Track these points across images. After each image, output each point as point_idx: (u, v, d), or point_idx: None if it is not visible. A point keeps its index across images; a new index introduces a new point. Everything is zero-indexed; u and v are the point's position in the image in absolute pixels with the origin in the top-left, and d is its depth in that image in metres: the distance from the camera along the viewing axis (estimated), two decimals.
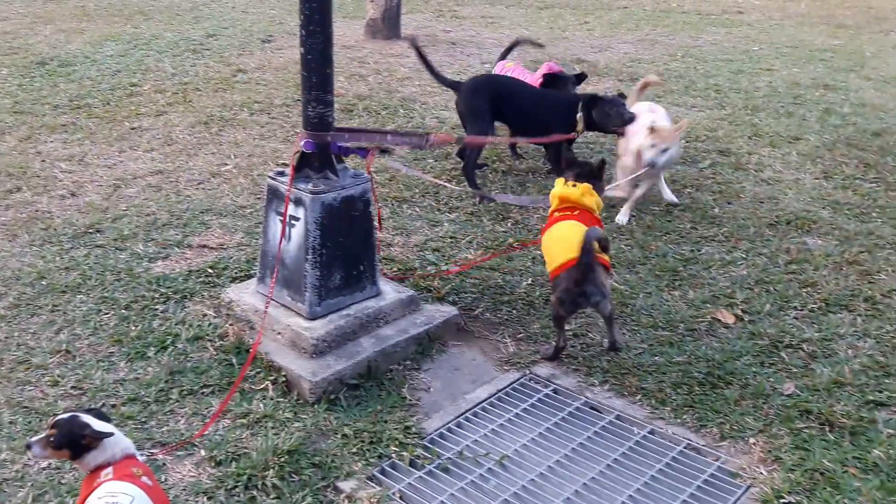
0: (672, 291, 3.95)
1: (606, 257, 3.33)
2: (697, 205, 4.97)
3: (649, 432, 3.04)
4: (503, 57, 6.04)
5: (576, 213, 3.43)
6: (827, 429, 2.97)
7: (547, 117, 4.99)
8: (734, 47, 9.62)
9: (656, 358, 3.42)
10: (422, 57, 5.24)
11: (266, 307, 3.28)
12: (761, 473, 2.77)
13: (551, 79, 5.44)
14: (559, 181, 3.59)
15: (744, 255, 4.32)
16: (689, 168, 5.54)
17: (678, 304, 3.83)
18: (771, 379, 3.26)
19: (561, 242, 3.32)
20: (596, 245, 3.23)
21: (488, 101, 5.04)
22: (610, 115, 4.82)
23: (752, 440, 2.94)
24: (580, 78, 5.61)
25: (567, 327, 3.63)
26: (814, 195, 5.10)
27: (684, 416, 3.09)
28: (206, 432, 2.90)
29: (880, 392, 3.17)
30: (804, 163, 5.66)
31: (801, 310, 3.78)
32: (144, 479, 2.15)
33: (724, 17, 11.91)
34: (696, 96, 7.30)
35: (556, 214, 3.50)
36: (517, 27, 10.88)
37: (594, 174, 3.61)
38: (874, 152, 5.83)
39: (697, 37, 10.31)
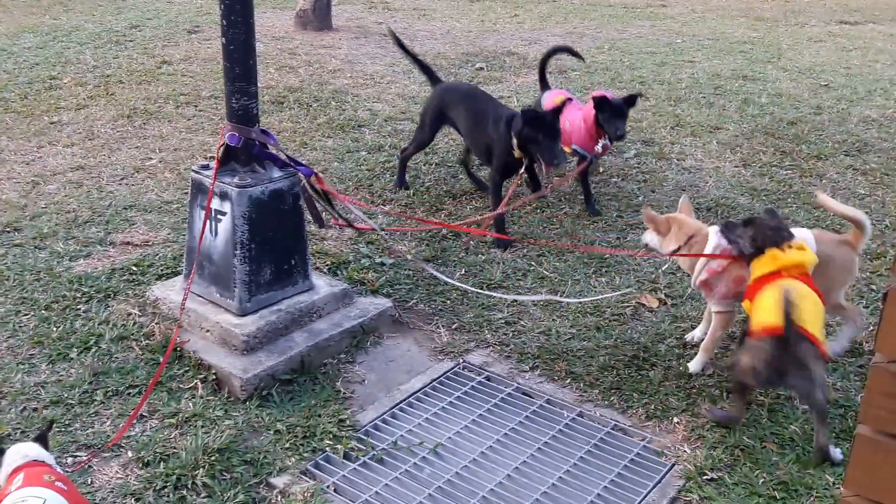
0: (599, 278, 4.02)
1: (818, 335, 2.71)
2: (623, 193, 5.07)
3: (578, 415, 3.10)
4: (543, 76, 5.19)
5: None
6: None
7: (487, 136, 4.45)
8: (658, 40, 9.83)
9: (585, 343, 3.49)
10: (405, 50, 5.10)
11: (183, 302, 3.21)
12: (685, 451, 2.86)
13: (601, 104, 4.56)
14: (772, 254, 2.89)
15: None
16: (615, 158, 5.65)
17: (605, 290, 3.91)
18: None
19: (776, 301, 2.69)
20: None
21: (436, 108, 4.77)
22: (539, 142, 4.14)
23: (675, 420, 3.02)
24: (630, 101, 4.64)
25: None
26: (733, 182, 5.26)
27: (611, 399, 3.16)
28: (133, 433, 2.84)
29: None
30: (724, 151, 5.83)
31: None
32: (58, 483, 2.12)
33: (648, 10, 12.15)
34: (622, 88, 7.43)
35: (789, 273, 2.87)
36: (449, 19, 10.90)
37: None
38: (790, 141, 6.04)
39: (623, 30, 10.49)
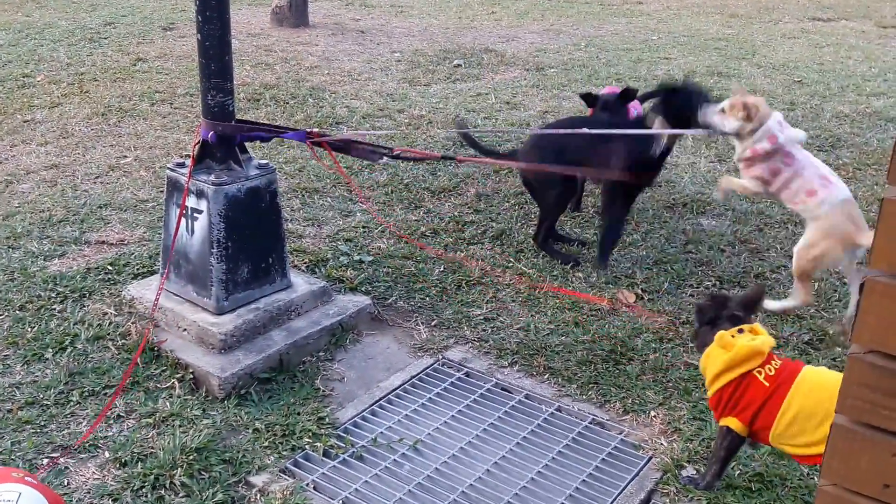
0: (577, 273, 4.04)
1: None
2: (599, 190, 5.09)
3: (556, 409, 3.11)
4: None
5: (776, 363, 2.47)
6: None
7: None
8: (634, 37, 9.88)
9: (563, 338, 3.50)
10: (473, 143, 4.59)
11: (156, 300, 3.19)
12: (662, 444, 2.88)
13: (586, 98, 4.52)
14: (720, 338, 2.51)
15: (643, 237, 4.45)
16: None
17: (582, 285, 3.93)
18: (669, 354, 3.38)
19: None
20: None
21: None
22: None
23: (653, 413, 3.04)
24: (626, 95, 4.40)
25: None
26: (708, 178, 5.30)
27: (589, 393, 3.17)
28: (110, 434, 2.81)
29: None
30: (699, 148, 5.87)
31: (697, 287, 3.93)
32: (28, 479, 2.11)
33: (624, 7, 12.21)
34: (599, 84, 7.45)
35: (768, 370, 2.43)
36: (426, 16, 10.89)
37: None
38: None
39: (600, 27, 10.54)
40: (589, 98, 4.50)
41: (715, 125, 3.61)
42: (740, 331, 2.48)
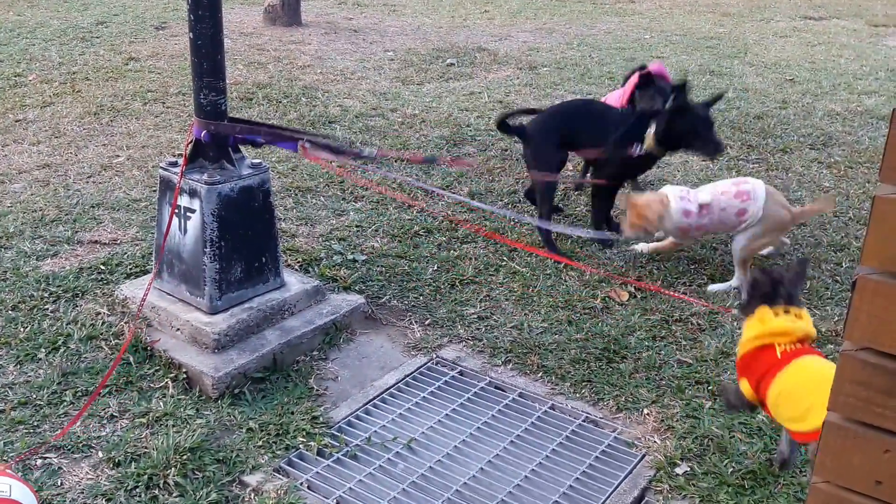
0: (570, 272, 4.04)
1: None
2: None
3: (550, 408, 3.11)
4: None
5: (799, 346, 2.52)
6: (715, 397, 3.10)
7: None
8: (627, 36, 9.89)
9: (556, 336, 3.50)
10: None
11: (144, 298, 3.17)
12: (655, 442, 2.88)
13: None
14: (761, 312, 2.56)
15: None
16: None
17: (576, 283, 3.93)
18: (662, 352, 3.39)
19: (824, 390, 2.32)
20: None
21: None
22: None
23: (646, 411, 3.05)
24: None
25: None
26: (701, 176, 5.31)
27: (583, 391, 3.18)
28: (103, 433, 2.80)
29: None
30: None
31: (690, 285, 3.94)
32: (9, 470, 2.13)
33: (617, 6, 12.22)
34: (591, 83, 7.47)
35: (788, 349, 2.49)
36: (419, 15, 10.88)
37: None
38: (756, 135, 6.11)
39: (592, 26, 10.54)
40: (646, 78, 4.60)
41: (628, 237, 4.03)
42: (786, 311, 2.53)
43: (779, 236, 3.96)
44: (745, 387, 2.55)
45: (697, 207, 3.78)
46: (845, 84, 7.68)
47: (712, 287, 3.91)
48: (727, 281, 3.92)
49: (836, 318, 3.63)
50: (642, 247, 4.21)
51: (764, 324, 2.52)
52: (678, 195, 3.82)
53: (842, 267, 4.11)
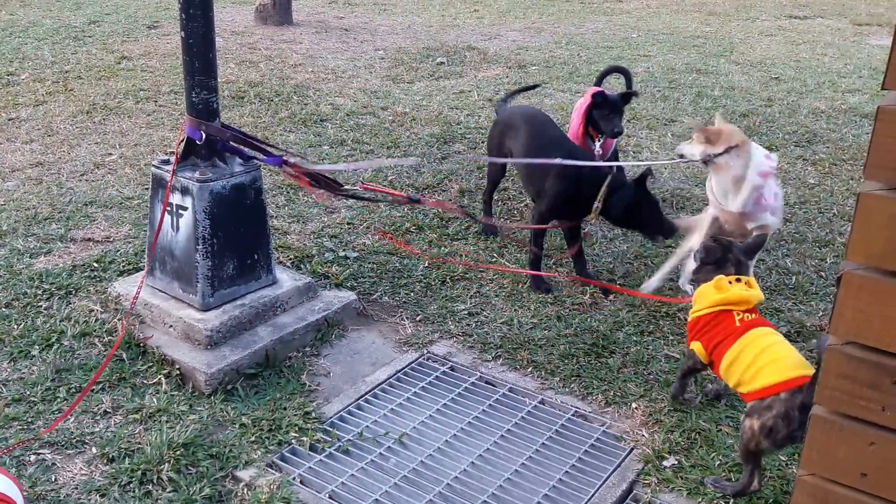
0: (559, 268, 4.04)
1: None
2: None
3: (540, 402, 3.11)
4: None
5: (754, 315, 2.66)
6: (702, 391, 3.11)
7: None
8: (614, 35, 9.89)
9: (546, 332, 3.50)
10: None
11: (137, 294, 3.16)
12: (643, 436, 2.89)
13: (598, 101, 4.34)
14: (718, 281, 2.71)
15: (623, 232, 4.46)
16: None
17: (564, 280, 3.93)
18: (650, 347, 3.40)
19: (774, 354, 2.50)
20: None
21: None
22: None
23: (634, 405, 3.05)
24: (626, 98, 4.43)
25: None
26: (687, 174, 5.32)
27: (572, 386, 3.18)
28: (97, 429, 2.79)
29: None
30: (678, 143, 5.88)
31: (676, 280, 3.95)
32: None
33: (605, 5, 12.23)
34: (580, 82, 7.47)
35: (745, 317, 2.63)
36: (409, 14, 10.86)
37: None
38: (742, 132, 6.12)
39: (581, 25, 10.55)
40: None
41: (685, 153, 3.63)
42: (738, 279, 2.69)
43: None
44: (699, 348, 2.71)
45: (772, 173, 3.46)
46: (829, 82, 7.71)
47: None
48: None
49: (821, 314, 3.64)
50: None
51: (721, 291, 2.67)
52: (763, 153, 3.52)
53: (826, 262, 4.12)
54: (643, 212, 3.64)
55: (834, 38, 10.14)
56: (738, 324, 2.61)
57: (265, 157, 3.27)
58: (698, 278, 2.81)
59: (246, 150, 3.28)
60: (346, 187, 3.48)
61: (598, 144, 4.35)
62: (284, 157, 3.31)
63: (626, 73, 4.94)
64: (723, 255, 2.77)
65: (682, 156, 3.66)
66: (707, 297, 2.71)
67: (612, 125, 4.27)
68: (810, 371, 2.43)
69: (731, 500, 2.57)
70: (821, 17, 11.67)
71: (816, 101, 6.99)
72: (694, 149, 3.56)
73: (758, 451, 2.51)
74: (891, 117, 0.96)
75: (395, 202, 3.64)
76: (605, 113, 4.29)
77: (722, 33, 10.16)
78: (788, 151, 5.73)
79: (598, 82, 4.93)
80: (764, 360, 2.50)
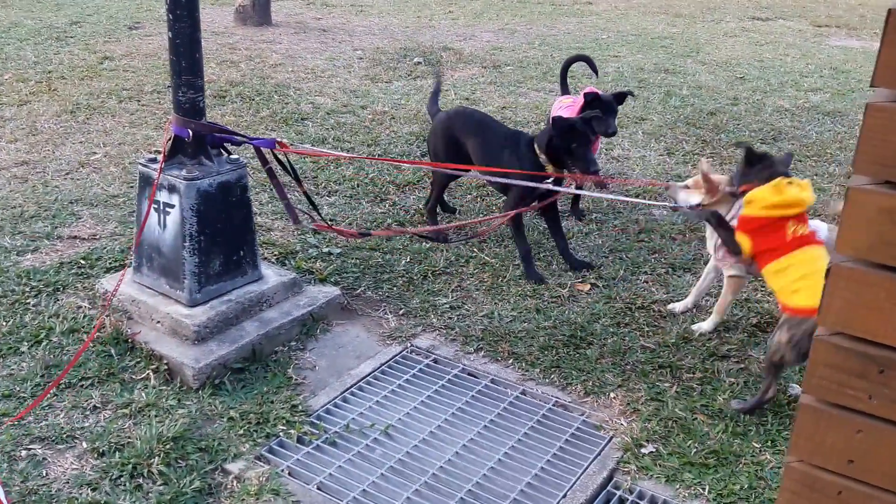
0: (537, 262, 4.04)
1: None
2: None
3: (521, 393, 3.11)
4: (564, 81, 4.92)
5: (805, 229, 2.75)
6: (677, 381, 3.13)
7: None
8: (585, 36, 9.91)
9: (525, 324, 3.50)
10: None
11: (116, 288, 3.10)
12: (622, 424, 2.89)
13: (592, 101, 4.25)
14: (777, 184, 2.74)
15: (598, 227, 4.47)
16: None
17: (543, 273, 3.93)
18: (626, 338, 3.40)
19: (817, 279, 2.30)
20: None
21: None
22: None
23: (612, 395, 3.06)
24: (620, 98, 4.37)
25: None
26: (658, 170, 5.35)
27: (552, 377, 3.18)
28: (87, 424, 2.74)
29: (722, 345, 3.37)
30: (649, 141, 5.92)
31: (651, 274, 3.96)
32: None
33: (575, 7, 12.25)
34: (553, 82, 7.47)
35: (797, 230, 2.69)
36: (386, 15, 10.80)
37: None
38: (710, 130, 6.17)
39: (552, 26, 10.55)
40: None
41: (680, 202, 3.40)
42: (790, 182, 2.80)
43: None
44: (746, 242, 2.79)
45: None
46: (792, 81, 7.79)
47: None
48: (688, 271, 3.95)
49: None
50: (703, 326, 3.49)
51: (779, 194, 2.72)
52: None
53: None
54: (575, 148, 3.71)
55: (795, 38, 10.25)
56: (789, 237, 2.70)
57: (258, 140, 3.23)
58: (744, 179, 2.90)
59: (236, 136, 3.23)
60: (303, 223, 3.54)
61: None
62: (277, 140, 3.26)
63: (587, 60, 4.93)
64: (768, 165, 2.87)
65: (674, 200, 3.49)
66: (764, 199, 2.76)
67: (606, 125, 4.18)
68: None
69: (707, 488, 2.58)
70: (782, 19, 11.79)
71: (780, 100, 7.06)
72: (691, 197, 3.35)
73: (781, 363, 2.70)
74: (879, 114, 0.96)
75: (348, 236, 3.67)
76: (599, 113, 4.17)
77: (688, 34, 10.23)
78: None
79: (564, 73, 4.90)
80: (808, 282, 2.59)
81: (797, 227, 2.73)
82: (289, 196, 3.36)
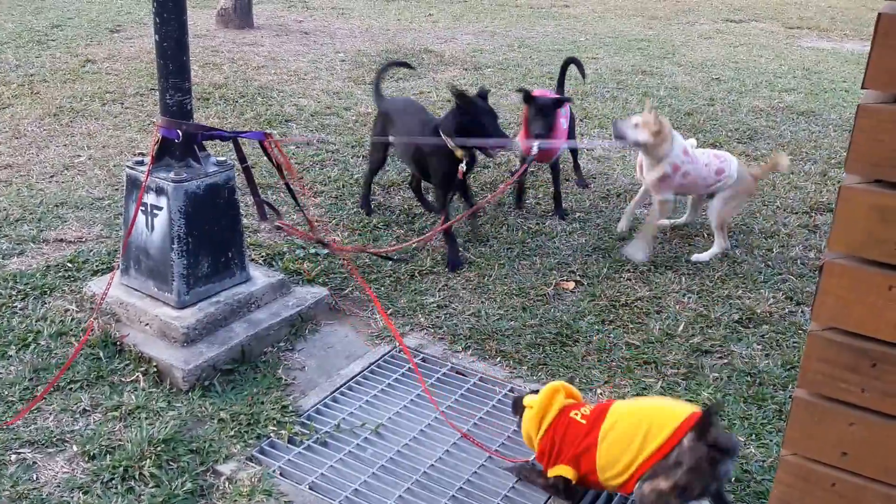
0: (522, 261, 4.05)
1: None
2: (540, 182, 5.12)
3: (509, 390, 3.11)
4: (561, 83, 4.94)
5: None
6: (662, 376, 3.15)
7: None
8: (563, 38, 9.95)
9: (512, 323, 3.50)
10: None
11: (105, 290, 3.07)
12: None
13: (527, 99, 4.31)
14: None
15: (581, 226, 4.49)
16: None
17: (528, 272, 3.94)
18: (611, 335, 3.42)
19: (640, 419, 2.21)
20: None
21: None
22: None
23: (599, 391, 3.07)
24: (558, 103, 4.36)
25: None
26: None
27: (539, 374, 3.19)
28: (77, 427, 2.70)
29: (705, 341, 3.40)
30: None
31: (634, 272, 3.99)
32: None
33: (552, 10, 12.30)
34: (533, 84, 7.49)
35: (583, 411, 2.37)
36: (366, 18, 10.77)
37: None
38: (687, 130, 6.21)
39: (531, 29, 10.58)
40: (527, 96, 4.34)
41: (629, 137, 3.93)
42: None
43: (745, 200, 4.27)
44: (566, 471, 2.37)
45: (688, 153, 3.98)
46: (767, 82, 7.87)
47: (696, 256, 4.10)
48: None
49: (770, 301, 3.71)
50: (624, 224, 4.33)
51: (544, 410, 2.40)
52: (681, 142, 4.02)
53: (773, 252, 4.21)
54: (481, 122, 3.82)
55: (768, 40, 10.35)
56: (583, 422, 2.34)
57: (248, 133, 3.20)
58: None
59: (225, 132, 3.20)
60: (275, 222, 3.55)
61: (535, 144, 4.15)
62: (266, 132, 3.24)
63: (577, 63, 4.93)
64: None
65: (620, 137, 3.98)
66: (531, 421, 2.42)
67: (534, 127, 4.21)
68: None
69: None
70: (755, 21, 11.90)
71: (755, 100, 7.13)
72: (639, 134, 3.89)
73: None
74: (869, 115, 0.97)
75: (306, 238, 3.68)
76: (533, 114, 4.25)
77: (664, 37, 10.30)
78: (732, 147, 5.82)
79: (561, 79, 4.92)
80: (635, 430, 2.22)
81: (580, 409, 2.38)
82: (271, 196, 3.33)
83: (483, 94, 3.94)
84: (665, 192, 4.01)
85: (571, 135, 4.70)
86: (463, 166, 3.92)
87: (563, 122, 4.46)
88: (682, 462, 2.08)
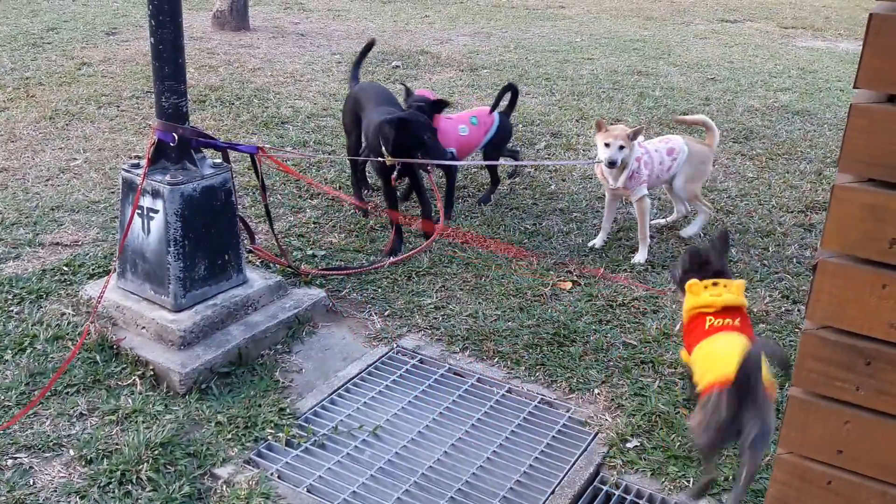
0: (519, 262, 4.05)
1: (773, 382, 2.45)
2: (537, 183, 5.13)
3: (507, 391, 3.11)
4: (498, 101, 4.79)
5: (737, 319, 2.59)
6: (659, 376, 3.15)
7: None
8: (559, 39, 9.96)
9: (509, 323, 3.50)
10: None
11: (101, 294, 3.06)
12: (607, 420, 2.91)
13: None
14: (696, 286, 2.67)
15: (578, 226, 4.49)
16: (526, 150, 5.70)
17: (525, 272, 3.94)
18: (608, 335, 3.42)
19: (723, 355, 2.42)
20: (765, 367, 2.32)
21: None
22: None
23: (596, 391, 3.07)
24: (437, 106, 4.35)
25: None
26: None
27: (537, 374, 3.19)
28: (73, 432, 2.70)
29: None
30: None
31: (630, 271, 3.99)
32: None
33: (548, 11, 12.31)
34: (529, 84, 7.50)
35: (713, 322, 2.59)
36: (362, 20, 10.77)
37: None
38: (683, 131, 6.22)
39: (527, 30, 10.59)
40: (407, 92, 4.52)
41: (621, 158, 3.93)
42: (714, 283, 2.65)
43: (708, 168, 4.33)
44: (684, 355, 2.69)
45: (641, 145, 4.08)
46: (762, 82, 7.88)
47: (685, 231, 4.33)
48: (666, 268, 3.99)
49: (767, 300, 3.72)
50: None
51: (694, 297, 2.68)
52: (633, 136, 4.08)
53: (769, 251, 4.21)
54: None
55: (763, 40, 10.37)
56: (707, 327, 2.57)
57: (241, 146, 3.22)
58: (681, 285, 2.80)
59: (220, 142, 3.22)
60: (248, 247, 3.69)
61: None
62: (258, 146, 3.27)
63: (512, 90, 4.80)
64: (700, 263, 2.76)
65: (613, 163, 3.95)
66: (686, 301, 2.73)
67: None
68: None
69: (691, 480, 2.61)
70: (750, 21, 11.93)
71: (751, 100, 7.14)
72: (625, 149, 3.93)
73: (706, 447, 2.40)
74: (862, 114, 0.98)
75: (278, 263, 3.79)
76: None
77: (659, 37, 10.31)
78: (727, 147, 5.84)
79: (497, 101, 4.75)
80: (710, 366, 2.43)
81: (717, 319, 2.59)
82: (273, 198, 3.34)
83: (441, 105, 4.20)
84: (639, 190, 4.06)
85: (498, 150, 4.74)
86: (395, 174, 4.07)
87: (460, 129, 4.49)
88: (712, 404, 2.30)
